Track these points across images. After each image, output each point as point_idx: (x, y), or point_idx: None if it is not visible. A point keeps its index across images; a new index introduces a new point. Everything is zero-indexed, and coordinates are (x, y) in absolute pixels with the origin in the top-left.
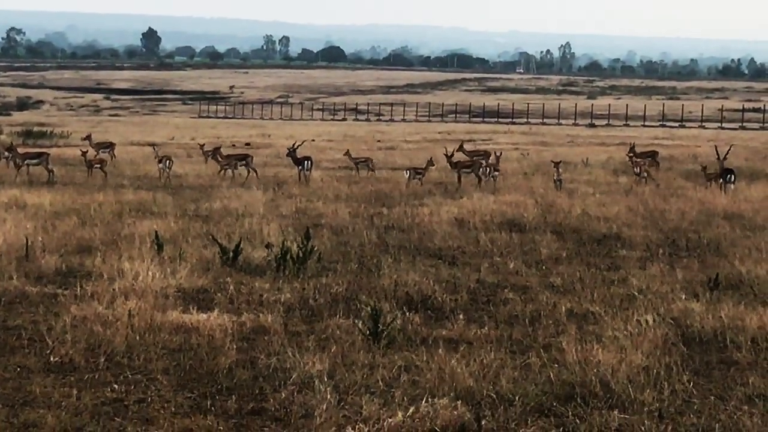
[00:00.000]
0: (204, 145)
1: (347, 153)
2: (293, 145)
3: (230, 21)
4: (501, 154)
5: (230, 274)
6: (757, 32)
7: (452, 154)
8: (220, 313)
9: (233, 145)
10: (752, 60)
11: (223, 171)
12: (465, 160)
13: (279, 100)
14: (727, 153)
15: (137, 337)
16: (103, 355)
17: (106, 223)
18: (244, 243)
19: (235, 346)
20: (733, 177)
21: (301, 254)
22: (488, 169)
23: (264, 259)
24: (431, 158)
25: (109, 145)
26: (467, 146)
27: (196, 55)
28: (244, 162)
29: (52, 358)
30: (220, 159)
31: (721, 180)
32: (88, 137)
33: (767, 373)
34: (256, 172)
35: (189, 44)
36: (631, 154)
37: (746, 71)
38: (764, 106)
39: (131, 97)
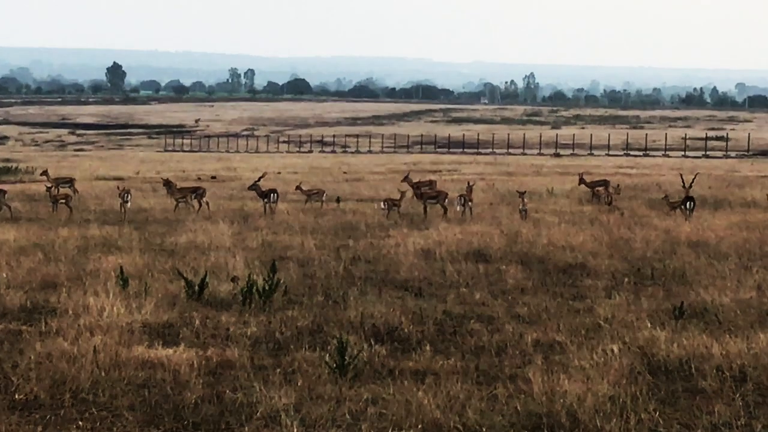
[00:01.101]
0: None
1: (298, 187)
2: (257, 178)
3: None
4: (474, 183)
5: (196, 308)
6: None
7: (417, 185)
8: (186, 348)
9: (199, 179)
10: (714, 89)
11: (177, 204)
12: (431, 191)
13: (245, 132)
14: (693, 181)
15: (102, 373)
16: (69, 391)
17: (71, 259)
18: (210, 277)
19: (201, 381)
20: (693, 204)
21: (267, 287)
22: (462, 199)
23: (230, 293)
24: (405, 190)
25: (69, 181)
26: (415, 177)
27: (162, 89)
28: (194, 195)
29: (16, 396)
30: (174, 192)
31: (682, 207)
32: (45, 172)
33: (732, 401)
34: (207, 204)
35: (154, 78)
36: (582, 184)
37: (709, 100)
38: (727, 134)
39: (96, 131)
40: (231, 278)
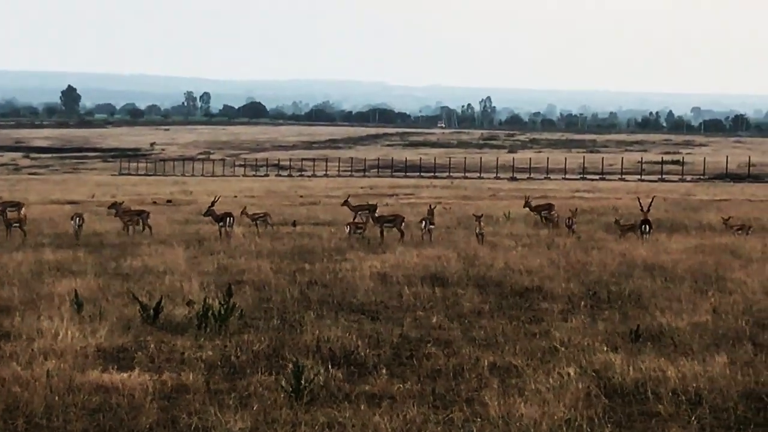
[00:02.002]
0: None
1: (243, 211)
2: (211, 203)
3: (150, 78)
4: (435, 207)
5: (151, 332)
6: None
7: (375, 209)
8: (140, 372)
9: (154, 202)
10: (670, 112)
11: (126, 228)
12: (387, 214)
13: (200, 156)
14: (650, 205)
15: (56, 398)
16: (22, 416)
17: (25, 283)
18: (165, 301)
19: (156, 406)
20: (649, 228)
21: (222, 311)
22: (425, 221)
23: (185, 317)
24: (370, 213)
25: (17, 205)
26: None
27: (117, 112)
28: (139, 218)
29: None
30: (121, 215)
31: (639, 230)
32: None
33: (688, 424)
34: (150, 228)
35: (109, 101)
36: (527, 208)
37: (664, 124)
38: (683, 158)
39: (51, 155)
40: (186, 302)
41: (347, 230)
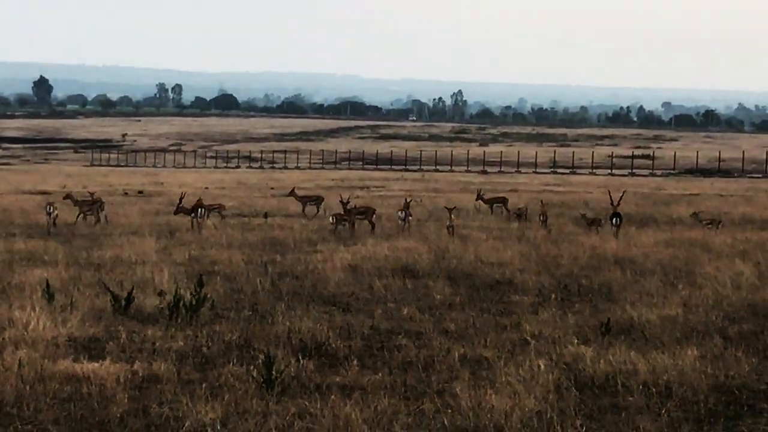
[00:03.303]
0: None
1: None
2: (179, 200)
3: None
4: (411, 200)
5: (122, 322)
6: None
7: (347, 201)
8: (111, 362)
9: (126, 194)
10: (641, 107)
11: (83, 216)
12: (359, 206)
13: (172, 148)
14: (621, 199)
15: (27, 387)
16: None
17: None
18: (137, 291)
19: (127, 395)
20: (619, 221)
21: (194, 302)
22: (403, 213)
23: (157, 307)
24: (351, 203)
25: None
26: (345, 195)
27: (89, 103)
28: (90, 210)
29: None
30: (79, 205)
31: (609, 223)
32: None
33: (658, 417)
34: (106, 218)
35: (81, 92)
36: (480, 200)
37: (635, 118)
38: (653, 153)
39: (22, 145)
40: (158, 292)
41: (331, 221)
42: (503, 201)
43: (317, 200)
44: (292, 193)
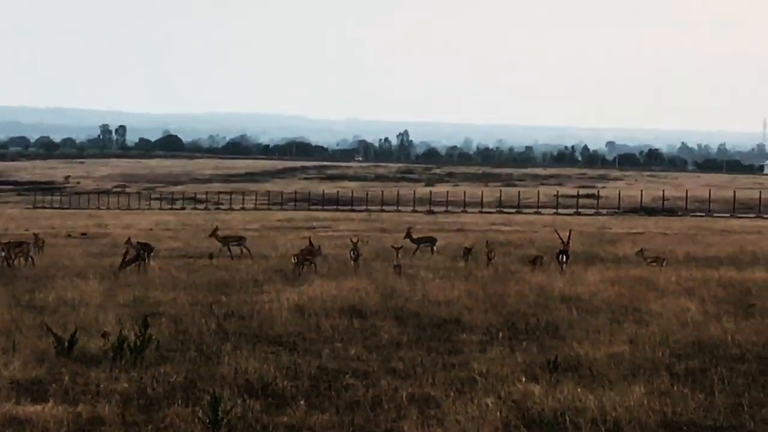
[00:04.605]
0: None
1: (128, 241)
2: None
3: (66, 111)
4: (358, 241)
5: (66, 364)
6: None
7: (244, 240)
8: (55, 404)
9: (69, 236)
10: (585, 147)
11: (8, 261)
12: (306, 246)
13: (116, 189)
14: (569, 237)
15: None
16: None
17: None
18: (80, 333)
19: None
20: (565, 257)
21: (138, 343)
22: (354, 252)
23: (100, 349)
24: (314, 243)
25: None
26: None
27: (31, 145)
28: (19, 249)
29: None
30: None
31: (556, 260)
32: None
33: None
34: (33, 260)
35: (23, 134)
36: (408, 238)
37: (580, 158)
38: (598, 192)
39: None
40: (101, 334)
41: (294, 261)
42: (431, 240)
43: (239, 241)
44: (213, 234)
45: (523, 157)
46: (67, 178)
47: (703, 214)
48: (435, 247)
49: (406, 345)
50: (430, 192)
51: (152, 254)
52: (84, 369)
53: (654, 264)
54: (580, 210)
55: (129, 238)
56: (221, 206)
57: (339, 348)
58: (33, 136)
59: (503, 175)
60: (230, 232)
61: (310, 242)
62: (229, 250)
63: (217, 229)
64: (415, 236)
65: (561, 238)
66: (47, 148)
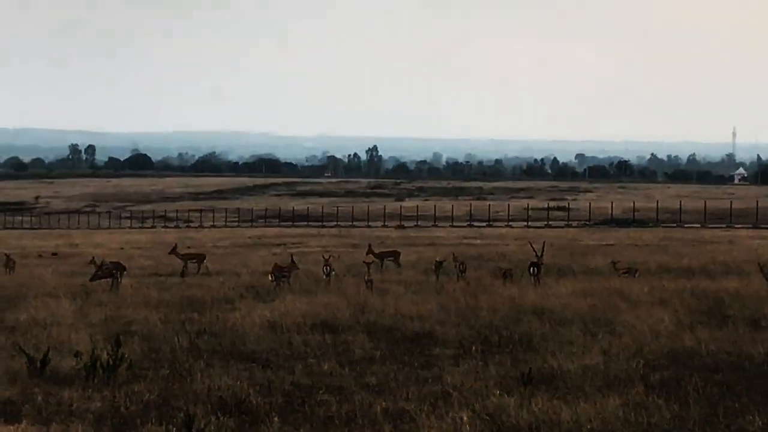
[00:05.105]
0: None
1: (92, 260)
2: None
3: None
4: (330, 257)
5: (38, 384)
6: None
7: (203, 258)
8: (27, 425)
9: (40, 255)
10: (555, 159)
11: None
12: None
13: (86, 209)
14: (543, 249)
15: None
16: None
17: None
18: (53, 353)
19: None
20: (537, 269)
21: (111, 362)
22: (327, 268)
23: (73, 369)
24: (295, 261)
25: None
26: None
27: (0, 166)
28: None
29: None
30: None
31: (528, 271)
32: None
33: None
34: None
35: None
36: (371, 254)
37: (550, 171)
38: (568, 204)
39: None
40: (74, 354)
41: (270, 278)
42: (394, 254)
43: (199, 258)
44: (173, 252)
45: (493, 171)
46: (37, 198)
47: (675, 224)
48: (398, 261)
49: (380, 360)
50: (401, 207)
51: (124, 273)
52: (57, 389)
53: (626, 275)
54: (550, 222)
55: (93, 258)
56: (191, 224)
57: (312, 364)
58: (1, 157)
59: (473, 189)
60: (194, 250)
61: (291, 260)
62: (186, 266)
63: (176, 246)
64: (377, 251)
65: (535, 251)
66: (16, 169)
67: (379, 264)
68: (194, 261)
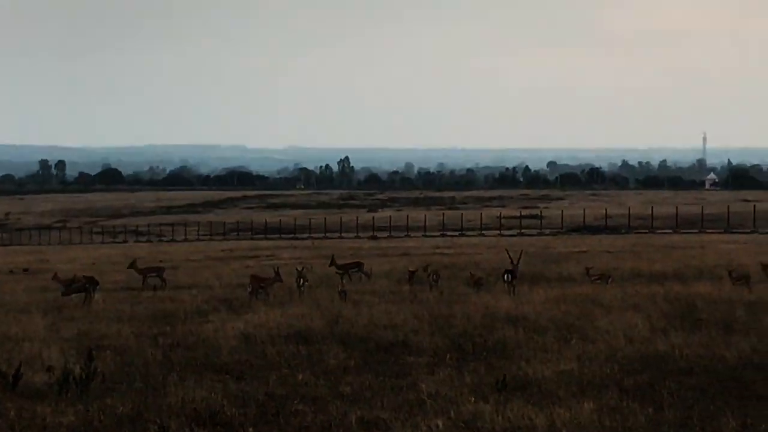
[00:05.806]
0: None
1: (55, 275)
2: (70, 282)
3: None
4: (303, 268)
5: (11, 399)
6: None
7: (163, 270)
8: None
9: (11, 272)
10: (527, 168)
11: None
12: (264, 276)
13: (57, 225)
14: (520, 257)
15: None
16: None
17: None
18: (25, 367)
19: None
20: (511, 276)
21: (84, 376)
22: (300, 279)
23: (46, 383)
24: (280, 274)
25: None
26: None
27: None
28: None
29: None
30: None
31: (502, 279)
32: None
33: None
34: None
35: None
36: (334, 266)
37: (521, 179)
38: (541, 212)
39: None
40: (46, 368)
41: (249, 290)
42: (359, 265)
43: (159, 271)
44: (132, 266)
45: (465, 180)
46: (7, 214)
47: (647, 230)
48: (363, 271)
49: (354, 369)
50: (373, 217)
51: (97, 288)
52: (29, 404)
53: (599, 281)
54: (523, 231)
55: (55, 274)
56: (163, 238)
57: (286, 374)
58: None
59: (445, 199)
60: (154, 263)
61: (276, 272)
62: (145, 280)
63: (135, 261)
64: (339, 263)
65: (511, 258)
66: None
67: (342, 276)
68: (153, 275)
